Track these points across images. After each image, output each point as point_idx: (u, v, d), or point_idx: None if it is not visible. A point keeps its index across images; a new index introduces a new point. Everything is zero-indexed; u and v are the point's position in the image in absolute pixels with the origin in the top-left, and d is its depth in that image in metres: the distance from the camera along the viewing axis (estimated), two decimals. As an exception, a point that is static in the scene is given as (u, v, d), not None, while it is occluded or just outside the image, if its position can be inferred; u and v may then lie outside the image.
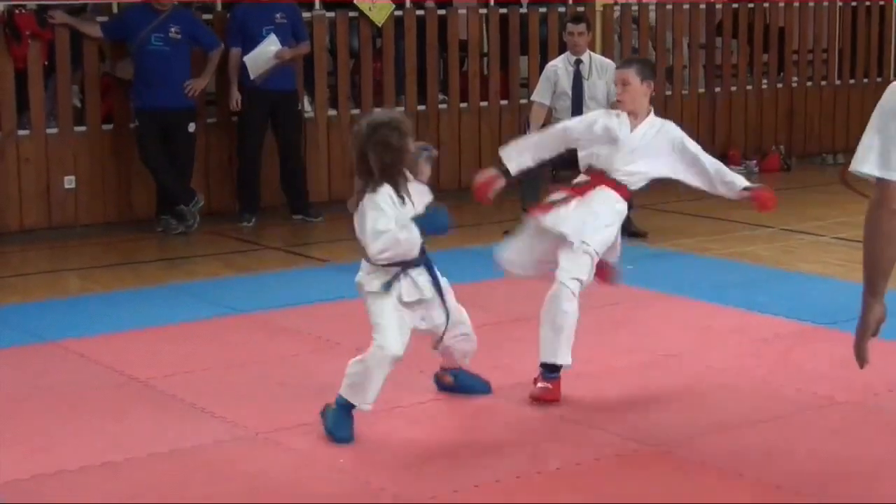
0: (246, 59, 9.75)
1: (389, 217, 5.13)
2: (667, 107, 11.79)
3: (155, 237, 9.72)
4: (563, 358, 5.64)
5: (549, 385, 5.65)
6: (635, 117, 5.90)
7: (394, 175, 5.17)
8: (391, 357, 5.21)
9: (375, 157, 5.13)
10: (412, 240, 5.17)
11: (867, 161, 3.58)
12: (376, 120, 5.18)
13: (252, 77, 9.88)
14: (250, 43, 9.90)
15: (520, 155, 6.06)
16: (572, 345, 5.64)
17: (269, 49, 9.79)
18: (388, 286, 5.24)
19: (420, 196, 5.26)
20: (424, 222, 5.17)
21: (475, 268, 8.49)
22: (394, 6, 10.93)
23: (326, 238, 9.68)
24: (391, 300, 5.25)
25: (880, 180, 3.56)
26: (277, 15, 10.03)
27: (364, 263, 5.31)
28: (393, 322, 5.23)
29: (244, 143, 10.14)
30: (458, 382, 5.80)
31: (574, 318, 5.63)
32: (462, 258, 8.84)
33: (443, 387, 5.84)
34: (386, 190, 5.15)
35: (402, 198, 5.18)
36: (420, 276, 5.31)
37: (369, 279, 5.29)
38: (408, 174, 5.23)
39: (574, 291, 5.61)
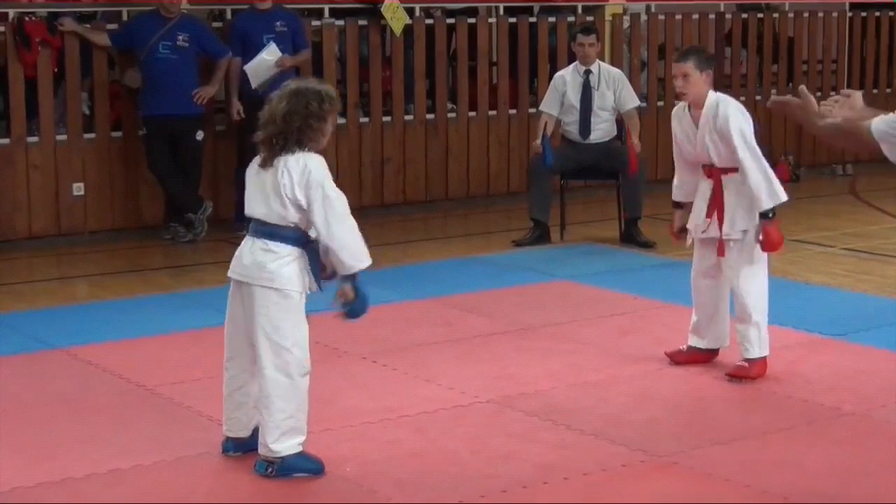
0: (246, 67, 9.73)
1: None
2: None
3: (163, 244, 9.72)
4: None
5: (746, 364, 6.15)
6: (697, 108, 6.13)
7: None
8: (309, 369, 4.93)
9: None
10: None
11: None
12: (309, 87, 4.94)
13: (254, 86, 9.84)
14: (251, 52, 9.87)
15: (680, 187, 6.38)
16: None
17: (269, 57, 9.79)
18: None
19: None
20: (358, 303, 4.85)
21: (483, 277, 8.52)
22: (408, 16, 10.90)
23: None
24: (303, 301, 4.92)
25: None
26: (278, 23, 10.02)
27: (271, 244, 4.90)
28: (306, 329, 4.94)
29: (245, 150, 10.12)
30: None
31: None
32: (470, 267, 8.86)
33: None
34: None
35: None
36: None
37: (288, 268, 4.84)
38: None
39: None
